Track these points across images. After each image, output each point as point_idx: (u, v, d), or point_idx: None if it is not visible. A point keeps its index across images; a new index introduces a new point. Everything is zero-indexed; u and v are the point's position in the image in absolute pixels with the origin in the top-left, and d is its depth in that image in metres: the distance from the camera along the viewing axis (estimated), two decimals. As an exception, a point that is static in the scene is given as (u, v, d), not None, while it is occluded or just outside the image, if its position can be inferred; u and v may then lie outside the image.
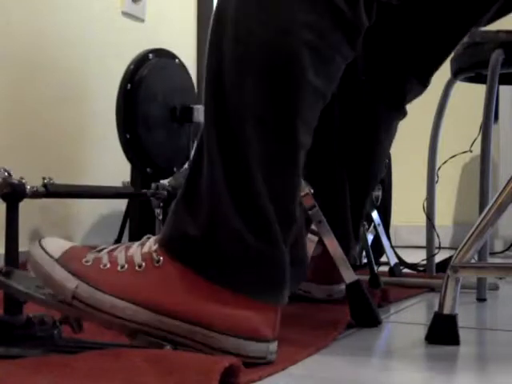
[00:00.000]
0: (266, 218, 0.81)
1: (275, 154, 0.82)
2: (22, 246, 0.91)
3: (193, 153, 0.87)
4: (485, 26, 1.20)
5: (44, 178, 1.31)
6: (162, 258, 0.81)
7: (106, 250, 0.85)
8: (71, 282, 0.80)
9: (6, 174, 0.93)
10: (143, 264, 0.81)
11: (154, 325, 0.80)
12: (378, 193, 1.64)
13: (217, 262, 0.81)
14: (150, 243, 0.84)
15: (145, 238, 0.86)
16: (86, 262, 0.83)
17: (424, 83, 1.27)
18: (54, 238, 0.89)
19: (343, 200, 1.26)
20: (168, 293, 0.80)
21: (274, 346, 0.82)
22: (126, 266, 0.82)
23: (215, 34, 0.85)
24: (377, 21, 0.89)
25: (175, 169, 1.97)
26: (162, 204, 1.59)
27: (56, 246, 0.85)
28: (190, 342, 0.79)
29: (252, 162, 0.81)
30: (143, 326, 0.80)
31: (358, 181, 1.28)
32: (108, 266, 0.82)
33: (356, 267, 1.29)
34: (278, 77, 0.81)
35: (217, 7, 0.86)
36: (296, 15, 0.81)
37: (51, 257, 0.82)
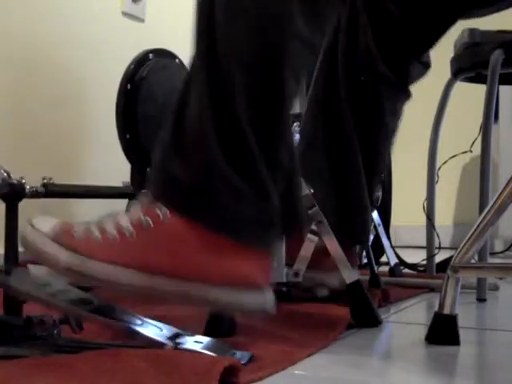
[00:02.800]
0: (253, 162, 0.81)
1: (262, 100, 0.82)
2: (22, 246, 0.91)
3: (178, 98, 0.86)
4: (486, 15, 1.21)
5: (44, 178, 1.31)
6: (150, 220, 0.81)
7: (94, 222, 0.85)
8: (63, 254, 0.81)
9: (5, 174, 0.93)
10: (132, 229, 0.82)
11: (150, 287, 0.80)
12: (378, 193, 1.63)
13: (212, 208, 0.81)
14: (137, 206, 0.84)
15: (130, 203, 0.87)
16: (77, 234, 0.83)
17: (423, 62, 1.27)
18: (44, 216, 0.89)
19: (360, 185, 1.26)
20: (162, 253, 0.80)
21: (270, 294, 0.82)
22: (116, 232, 0.82)
23: None
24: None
25: (175, 169, 1.96)
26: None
27: (46, 222, 0.86)
28: (187, 299, 0.80)
29: (240, 109, 0.81)
30: (141, 289, 0.80)
31: (365, 165, 1.28)
32: (98, 235, 0.83)
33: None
34: (266, 23, 0.82)
35: None
36: None
37: (42, 233, 0.83)
